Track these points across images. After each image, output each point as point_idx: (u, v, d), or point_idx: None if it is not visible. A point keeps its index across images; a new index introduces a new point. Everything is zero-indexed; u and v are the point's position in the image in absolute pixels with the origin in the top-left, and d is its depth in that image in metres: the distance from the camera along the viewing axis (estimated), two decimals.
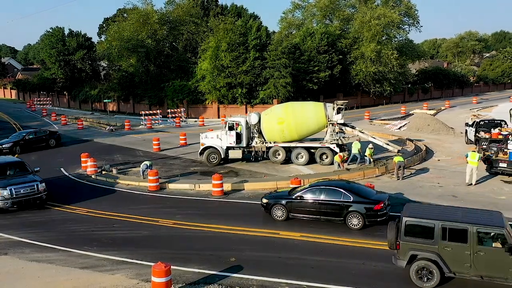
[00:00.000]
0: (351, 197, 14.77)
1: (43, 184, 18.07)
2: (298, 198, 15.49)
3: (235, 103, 46.89)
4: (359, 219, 14.51)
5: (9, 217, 16.90)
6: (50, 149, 31.01)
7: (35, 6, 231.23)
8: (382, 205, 14.48)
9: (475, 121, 29.19)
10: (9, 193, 17.03)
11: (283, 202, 15.65)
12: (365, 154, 22.75)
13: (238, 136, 24.09)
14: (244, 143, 24.31)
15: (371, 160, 22.42)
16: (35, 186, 17.68)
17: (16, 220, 16.64)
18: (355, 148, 22.92)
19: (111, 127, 40.25)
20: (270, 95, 44.91)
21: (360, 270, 11.51)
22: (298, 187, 16.75)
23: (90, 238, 14.42)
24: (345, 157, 22.25)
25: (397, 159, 20.69)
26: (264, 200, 16.12)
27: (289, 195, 15.91)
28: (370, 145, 22.89)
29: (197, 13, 58.47)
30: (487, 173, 20.41)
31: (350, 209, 14.58)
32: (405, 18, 54.52)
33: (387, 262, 11.78)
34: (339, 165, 22.02)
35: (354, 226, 14.57)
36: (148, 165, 21.53)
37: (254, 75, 45.17)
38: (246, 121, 24.38)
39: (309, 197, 15.35)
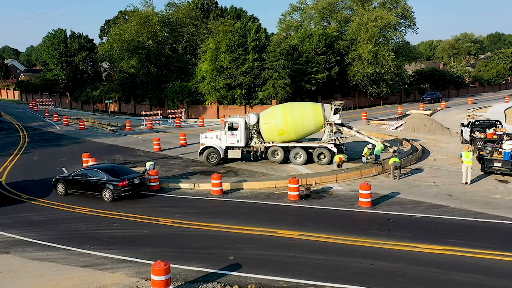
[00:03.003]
0: (105, 176, 18.45)
1: None
2: (72, 177, 19.21)
3: (234, 104, 47.13)
4: (109, 193, 18.27)
5: (11, 216, 17.10)
6: (50, 147, 31.24)
7: (37, 8, 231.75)
8: (126, 183, 18.15)
9: (470, 121, 29.44)
10: None
11: (62, 180, 19.46)
12: (363, 153, 23.03)
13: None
14: (243, 143, 24.55)
15: (368, 159, 22.68)
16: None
17: (18, 219, 16.84)
18: (378, 148, 23.13)
19: (112, 128, 40.48)
20: (269, 95, 45.14)
21: (357, 268, 11.60)
22: (80, 170, 20.08)
23: (91, 237, 14.57)
24: (344, 160, 22.46)
25: (393, 160, 20.97)
26: (54, 180, 19.84)
27: (68, 176, 19.41)
28: (370, 145, 23.17)
29: (197, 15, 58.77)
30: (482, 172, 20.68)
31: (105, 185, 18.31)
32: (401, 20, 55.01)
33: (384, 260, 12.00)
34: (338, 165, 22.28)
35: (107, 198, 18.38)
36: (153, 165, 21.81)
37: (253, 76, 45.40)
38: (245, 121, 24.61)
39: (80, 176, 19.09)
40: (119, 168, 19.99)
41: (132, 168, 24.45)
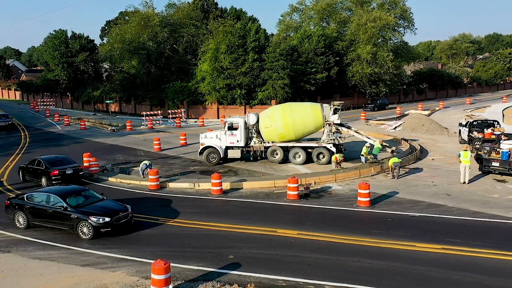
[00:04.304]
0: (44, 166, 21.44)
1: None
2: (25, 166, 22.38)
3: (234, 104, 47.25)
4: (45, 180, 21.03)
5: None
6: (51, 147, 31.30)
7: (38, 9, 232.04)
8: (56, 172, 20.93)
9: (468, 121, 29.58)
10: None
11: (22, 168, 22.59)
12: (361, 153, 23.12)
13: None
14: (242, 143, 24.64)
15: (368, 158, 22.77)
16: None
17: None
18: (376, 148, 23.24)
19: (113, 128, 40.61)
20: (269, 96, 45.25)
21: (356, 267, 11.65)
22: (32, 159, 22.95)
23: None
24: (341, 160, 22.56)
25: (393, 160, 21.04)
26: (18, 168, 22.92)
27: (24, 164, 22.65)
28: (368, 144, 23.28)
29: (197, 16, 58.85)
30: (480, 172, 20.77)
31: (42, 173, 21.33)
32: (400, 21, 55.17)
33: (382, 259, 12.07)
34: (337, 164, 22.38)
35: (44, 184, 20.87)
36: (148, 164, 21.91)
37: (253, 77, 45.50)
38: (245, 121, 24.71)
39: (30, 165, 22.11)
40: (60, 159, 22.45)
41: (132, 168, 24.58)
